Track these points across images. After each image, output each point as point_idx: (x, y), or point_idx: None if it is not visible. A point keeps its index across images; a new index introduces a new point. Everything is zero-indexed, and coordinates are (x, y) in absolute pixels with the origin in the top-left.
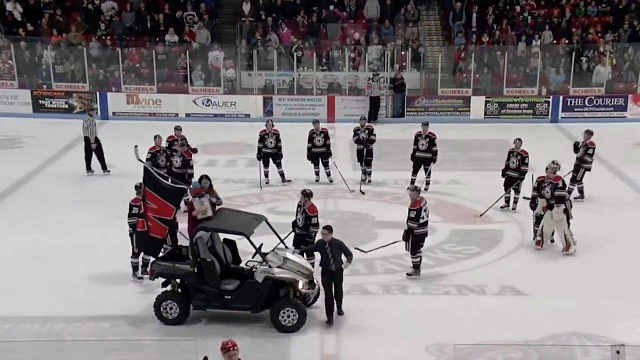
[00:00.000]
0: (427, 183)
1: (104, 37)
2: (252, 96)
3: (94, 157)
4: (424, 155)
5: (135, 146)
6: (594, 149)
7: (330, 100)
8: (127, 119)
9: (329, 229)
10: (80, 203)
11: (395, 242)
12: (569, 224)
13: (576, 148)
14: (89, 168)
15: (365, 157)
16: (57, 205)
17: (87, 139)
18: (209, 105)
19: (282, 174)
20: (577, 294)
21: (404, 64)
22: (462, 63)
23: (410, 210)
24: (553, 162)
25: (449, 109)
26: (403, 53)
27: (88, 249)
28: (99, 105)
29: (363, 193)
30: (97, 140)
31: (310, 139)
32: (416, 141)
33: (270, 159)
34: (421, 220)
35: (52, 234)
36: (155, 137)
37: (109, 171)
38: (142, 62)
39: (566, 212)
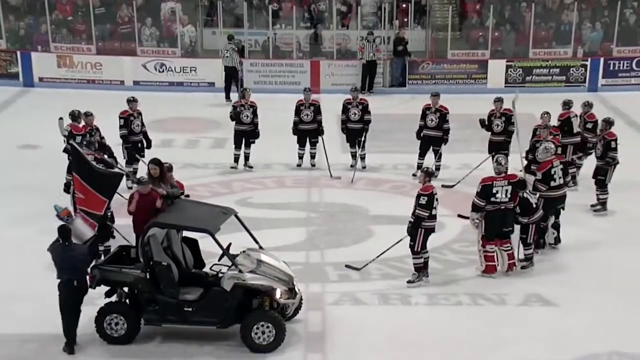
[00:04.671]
0: (437, 168)
1: None
2: (216, 60)
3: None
4: (433, 134)
5: (60, 118)
6: (511, 115)
7: (314, 66)
8: (57, 86)
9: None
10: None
11: (399, 241)
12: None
13: (488, 121)
14: (227, 97)
15: (357, 138)
16: None
17: (227, 68)
18: (162, 71)
19: (247, 157)
20: (619, 304)
21: (405, 19)
22: (477, 18)
23: (420, 195)
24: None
25: (461, 77)
26: (404, 6)
27: (7, 249)
28: (20, 69)
29: (352, 182)
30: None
31: (298, 111)
32: (424, 116)
33: (244, 138)
34: (433, 211)
35: None
36: (85, 114)
37: None
38: (76, 14)
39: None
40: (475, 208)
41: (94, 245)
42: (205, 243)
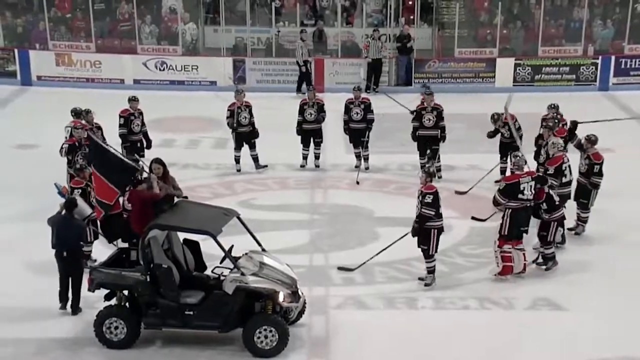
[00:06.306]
0: (438, 170)
1: None
2: (218, 58)
3: None
4: (430, 134)
5: None
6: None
7: (319, 64)
8: (56, 85)
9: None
10: None
11: (397, 240)
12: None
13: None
14: (299, 89)
15: (360, 138)
16: None
17: (298, 63)
18: (163, 69)
19: (255, 158)
20: (629, 308)
21: (411, 17)
22: (485, 15)
23: (425, 194)
24: (515, 155)
25: (469, 75)
26: (410, 3)
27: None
28: (18, 67)
29: (358, 183)
30: (305, 62)
31: (301, 110)
32: (419, 116)
33: (244, 140)
34: (441, 210)
35: None
36: (85, 112)
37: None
38: (74, 11)
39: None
40: (497, 204)
41: (89, 223)
42: (207, 245)
